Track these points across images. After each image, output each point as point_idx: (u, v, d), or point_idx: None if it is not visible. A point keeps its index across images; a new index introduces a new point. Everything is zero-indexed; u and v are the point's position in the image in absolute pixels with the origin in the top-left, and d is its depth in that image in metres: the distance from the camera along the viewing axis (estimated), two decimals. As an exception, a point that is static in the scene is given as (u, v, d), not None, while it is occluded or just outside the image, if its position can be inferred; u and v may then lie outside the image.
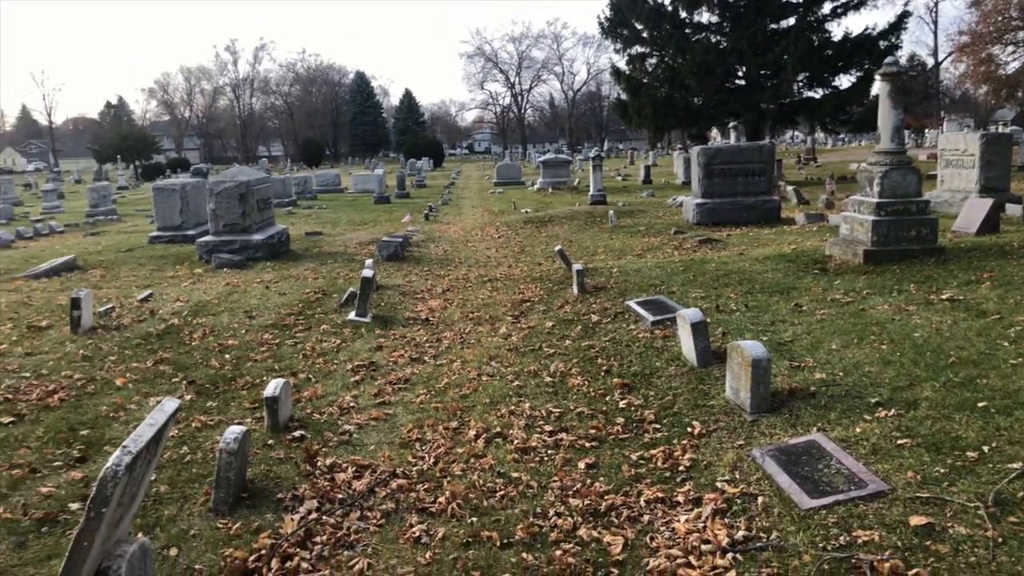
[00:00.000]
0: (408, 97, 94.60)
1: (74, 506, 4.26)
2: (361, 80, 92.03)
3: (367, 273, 8.56)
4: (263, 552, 3.59)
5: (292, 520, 3.89)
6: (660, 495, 4.04)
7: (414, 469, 4.57)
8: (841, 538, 3.38)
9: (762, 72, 28.87)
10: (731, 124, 28.87)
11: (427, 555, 3.58)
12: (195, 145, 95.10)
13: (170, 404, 3.14)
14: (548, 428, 5.09)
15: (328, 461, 4.71)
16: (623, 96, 32.53)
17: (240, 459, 4.16)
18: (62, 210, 28.53)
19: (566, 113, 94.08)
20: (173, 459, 4.80)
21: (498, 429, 5.11)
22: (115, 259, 13.77)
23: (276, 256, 13.32)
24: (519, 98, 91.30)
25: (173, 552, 3.66)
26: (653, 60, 31.63)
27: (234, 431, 4.17)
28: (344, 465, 4.66)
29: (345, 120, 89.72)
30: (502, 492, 4.19)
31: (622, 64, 32.14)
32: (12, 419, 5.62)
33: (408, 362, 6.88)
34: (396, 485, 4.32)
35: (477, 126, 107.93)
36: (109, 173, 52.58)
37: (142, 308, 9.27)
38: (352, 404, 5.80)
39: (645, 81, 30.88)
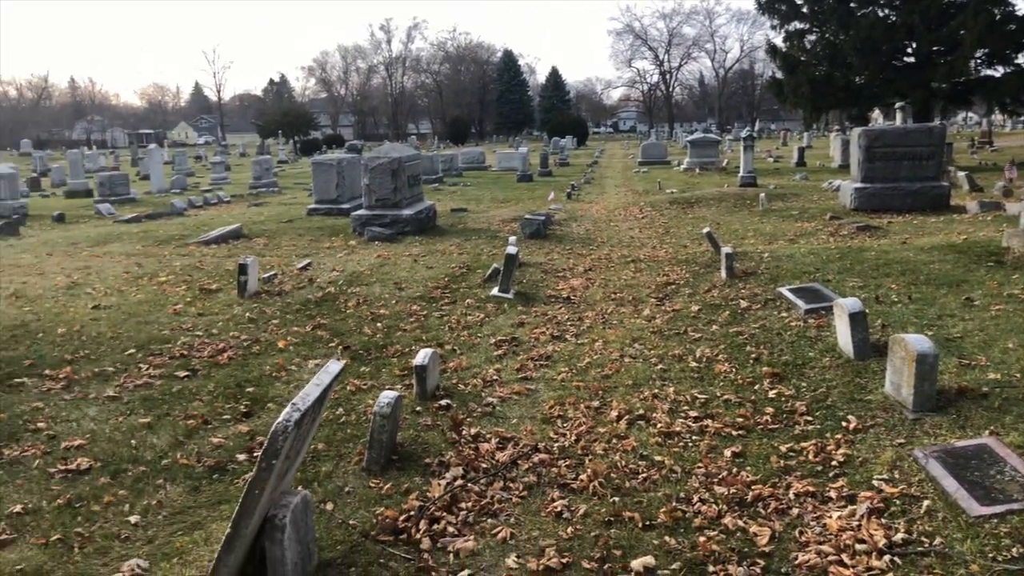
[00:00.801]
0: (554, 75, 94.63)
1: (241, 457, 4.59)
2: (509, 58, 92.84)
3: (511, 250, 8.67)
4: (412, 513, 3.74)
5: (439, 485, 4.02)
6: (811, 489, 3.89)
7: (556, 445, 4.61)
8: (1014, 550, 3.14)
9: (935, 48, 26.85)
10: (897, 104, 27.05)
11: (569, 530, 3.61)
12: (349, 122, 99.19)
13: (334, 366, 3.30)
14: (693, 414, 5.00)
15: (472, 431, 4.83)
16: (778, 74, 31.21)
17: (392, 423, 4.34)
18: (228, 181, 30.50)
19: (716, 92, 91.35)
20: (329, 419, 5.07)
21: (641, 412, 5.07)
22: (276, 229, 14.61)
23: (423, 231, 13.73)
24: (667, 76, 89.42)
25: (329, 506, 3.88)
26: (812, 36, 30.09)
27: (388, 396, 4.35)
28: (488, 436, 4.76)
29: (491, 98, 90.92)
30: (644, 474, 4.16)
31: (779, 41, 30.81)
32: (187, 374, 6.10)
33: (549, 339, 6.94)
34: (538, 459, 4.38)
35: (622, 104, 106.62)
36: (270, 147, 55.79)
37: (301, 276, 9.80)
38: (495, 377, 5.91)
39: (803, 59, 29.44)
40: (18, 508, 3.98)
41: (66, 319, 7.74)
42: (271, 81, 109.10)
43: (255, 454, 4.62)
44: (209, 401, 5.52)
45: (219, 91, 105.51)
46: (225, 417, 5.24)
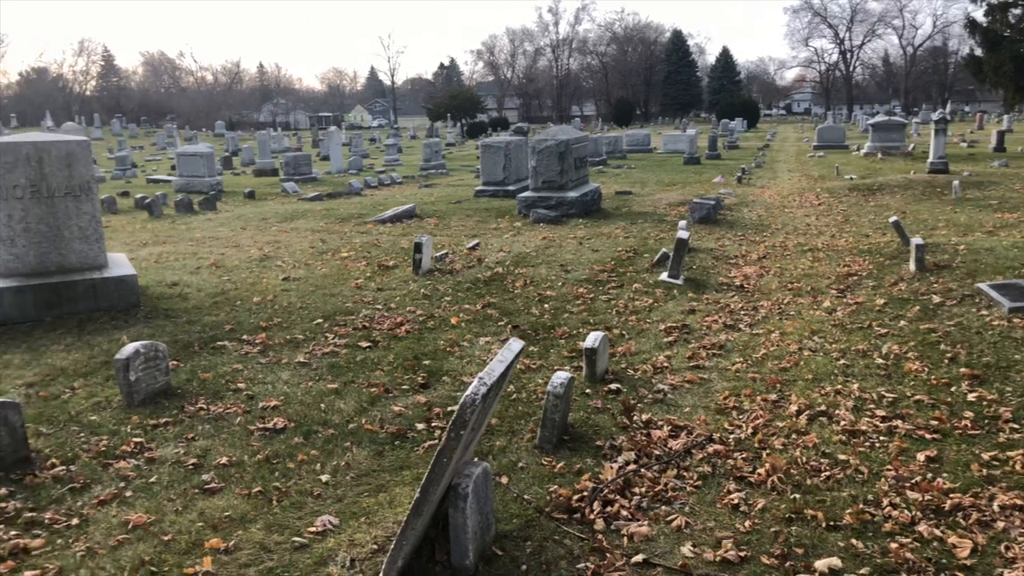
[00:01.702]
0: (725, 56, 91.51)
1: (420, 426, 4.79)
2: (677, 39, 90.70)
3: (682, 235, 8.50)
4: (585, 493, 3.77)
5: (611, 468, 4.02)
6: (1018, 502, 3.57)
7: (731, 436, 4.49)
8: None
9: None
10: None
11: (746, 523, 3.52)
12: (514, 105, 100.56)
13: (516, 344, 3.37)
14: (880, 413, 4.71)
15: (644, 417, 4.79)
16: (977, 52, 28.66)
17: (565, 403, 4.38)
18: (400, 163, 31.74)
19: (903, 71, 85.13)
20: (501, 396, 5.19)
21: (822, 407, 4.84)
22: (446, 210, 15.08)
23: (588, 213, 13.72)
24: (847, 55, 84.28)
25: (504, 480, 3.97)
26: (1018, 10, 27.39)
27: (561, 376, 4.40)
28: (659, 423, 4.71)
29: (658, 79, 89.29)
30: (827, 473, 3.98)
31: (979, 15, 28.30)
32: (369, 344, 6.43)
33: (722, 328, 6.75)
34: (712, 450, 4.28)
35: (797, 85, 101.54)
36: (439, 130, 57.56)
37: (471, 256, 10.07)
38: (665, 364, 5.83)
39: (1007, 34, 26.90)
40: (224, 460, 4.35)
41: (260, 289, 8.36)
42: (441, 65, 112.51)
43: (433, 424, 4.81)
44: (389, 371, 5.79)
45: (392, 75, 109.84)
46: (404, 387, 5.48)
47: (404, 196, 18.21)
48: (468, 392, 2.89)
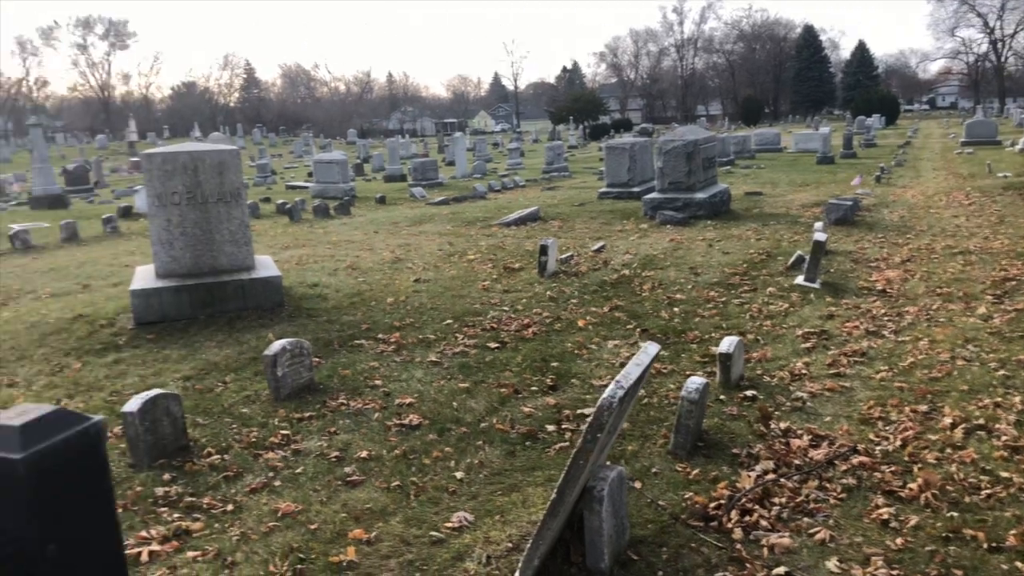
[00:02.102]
0: (860, 49, 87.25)
1: (550, 427, 4.81)
2: (809, 34, 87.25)
3: (819, 236, 8.16)
4: (722, 501, 3.68)
5: (749, 476, 3.91)
6: None
7: (877, 448, 4.27)
8: None
9: None
10: None
11: (898, 541, 3.34)
12: (637, 106, 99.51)
13: (652, 348, 3.33)
14: (1046, 428, 4.37)
15: (782, 425, 4.63)
16: None
17: (699, 409, 4.30)
18: (522, 166, 32.03)
19: (1061, 60, 78.62)
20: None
21: (980, 420, 4.53)
22: (569, 212, 15.09)
23: (717, 215, 13.40)
24: (998, 45, 78.60)
25: (637, 484, 3.94)
26: None
27: (696, 382, 4.31)
28: (799, 432, 4.54)
29: (788, 76, 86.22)
30: (988, 491, 3.72)
31: None
32: (497, 345, 6.51)
33: (864, 334, 6.44)
34: (857, 462, 4.09)
35: (942, 78, 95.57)
36: (561, 133, 57.67)
37: (596, 258, 10.04)
38: (804, 371, 5.61)
39: None
40: (364, 454, 4.52)
41: (393, 290, 8.63)
42: (563, 69, 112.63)
43: (563, 426, 4.82)
44: (518, 372, 5.85)
45: (515, 80, 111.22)
46: (533, 388, 5.52)
47: (527, 199, 18.36)
48: (605, 395, 2.88)
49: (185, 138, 58.15)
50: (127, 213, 18.06)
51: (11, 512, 0.57)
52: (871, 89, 69.60)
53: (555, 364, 6.00)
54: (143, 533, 3.72)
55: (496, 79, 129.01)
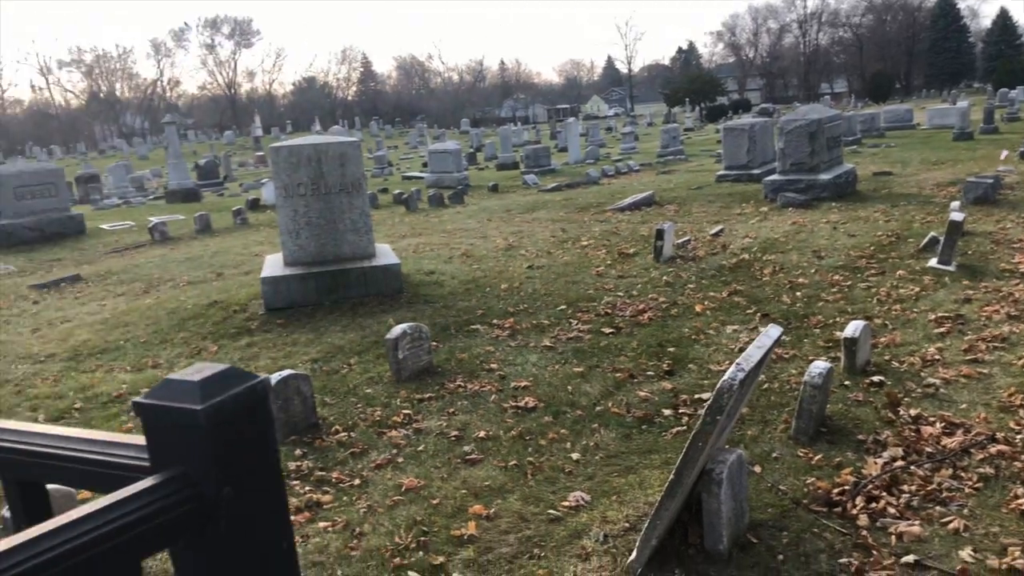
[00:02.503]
0: (1003, 17, 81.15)
1: (666, 412, 4.79)
2: (945, 3, 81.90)
3: (955, 216, 7.71)
4: (846, 488, 3.57)
5: (875, 463, 3.78)
6: None
7: (1018, 437, 4.03)
8: None
9: None
10: None
11: (1041, 534, 3.15)
12: (757, 85, 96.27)
13: (774, 331, 3.27)
14: None
15: (912, 412, 4.43)
16: None
17: (823, 395, 4.17)
18: (636, 150, 31.63)
19: None
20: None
21: None
22: (686, 196, 14.82)
23: (841, 196, 12.84)
24: None
25: (757, 469, 3.87)
26: None
27: (819, 367, 4.19)
28: (931, 419, 4.34)
29: (922, 48, 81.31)
30: None
31: None
32: (612, 330, 6.51)
33: (1005, 319, 6.05)
34: (995, 450, 3.87)
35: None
36: (677, 116, 56.52)
37: (714, 242, 9.84)
38: (936, 357, 5.34)
39: None
40: (482, 434, 4.63)
41: (507, 276, 8.74)
42: (679, 50, 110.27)
43: (680, 411, 4.78)
44: (633, 357, 5.83)
45: (629, 63, 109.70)
46: (649, 373, 5.50)
47: (642, 184, 18.14)
48: (725, 377, 2.85)
49: (306, 132, 60.53)
50: (255, 205, 19.01)
51: (193, 456, 0.65)
52: (1014, 59, 64.75)
53: (671, 349, 5.95)
54: (278, 504, 3.95)
55: (609, 62, 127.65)
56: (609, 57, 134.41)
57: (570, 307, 7.31)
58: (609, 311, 7.09)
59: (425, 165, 28.14)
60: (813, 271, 7.95)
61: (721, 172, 16.96)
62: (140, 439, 0.72)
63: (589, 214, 13.71)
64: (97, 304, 9.09)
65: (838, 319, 6.28)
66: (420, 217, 15.46)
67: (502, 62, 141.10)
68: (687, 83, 72.35)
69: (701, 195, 14.73)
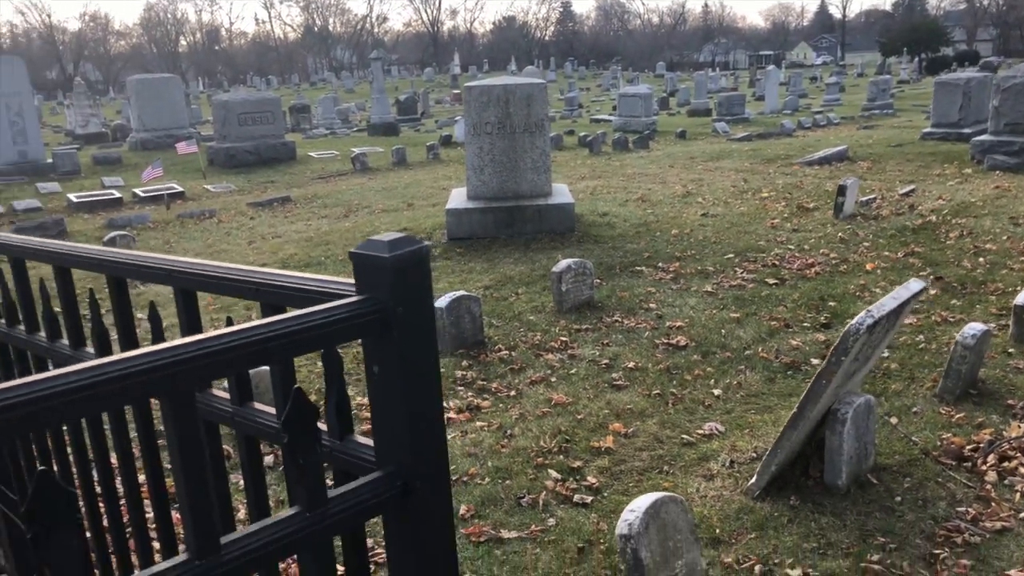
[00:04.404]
0: None
1: (815, 361, 4.90)
2: None
3: None
4: (980, 445, 3.62)
5: (1019, 427, 3.77)
6: None
7: None
8: None
9: None
10: None
11: None
12: (989, 36, 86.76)
13: (915, 284, 3.36)
14: None
15: (1078, 385, 4.30)
16: None
17: (974, 356, 4.16)
18: (840, 103, 29.86)
19: None
20: (907, 344, 5.03)
21: None
22: (883, 153, 14.07)
23: (1063, 161, 11.73)
24: None
25: (893, 420, 3.97)
26: None
27: (974, 328, 4.17)
28: (1096, 394, 4.20)
29: None
30: None
31: None
32: (776, 281, 6.58)
33: None
34: None
35: None
36: (891, 67, 52.34)
37: (902, 202, 9.43)
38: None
39: None
40: (631, 364, 4.98)
41: (679, 223, 8.90)
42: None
43: (828, 361, 4.89)
44: (792, 308, 5.92)
45: (844, 8, 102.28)
46: (805, 324, 5.59)
47: (838, 138, 17.32)
48: (853, 321, 3.03)
49: (502, 72, 61.68)
50: (447, 141, 20.00)
51: (381, 286, 1.04)
52: None
53: (832, 304, 5.97)
54: (445, 404, 4.52)
55: (822, 7, 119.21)
56: (823, 1, 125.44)
57: (737, 256, 7.41)
58: (776, 263, 7.14)
59: (615, 108, 28.15)
60: (1005, 238, 7.52)
61: (927, 129, 15.85)
62: (350, 279, 1.15)
63: (775, 166, 13.40)
64: (303, 223, 10.20)
65: (1020, 287, 6.00)
66: (602, 160, 15.71)
67: (705, 5, 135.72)
68: (907, 31, 66.49)
69: (900, 153, 13.94)
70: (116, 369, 0.89)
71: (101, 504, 2.01)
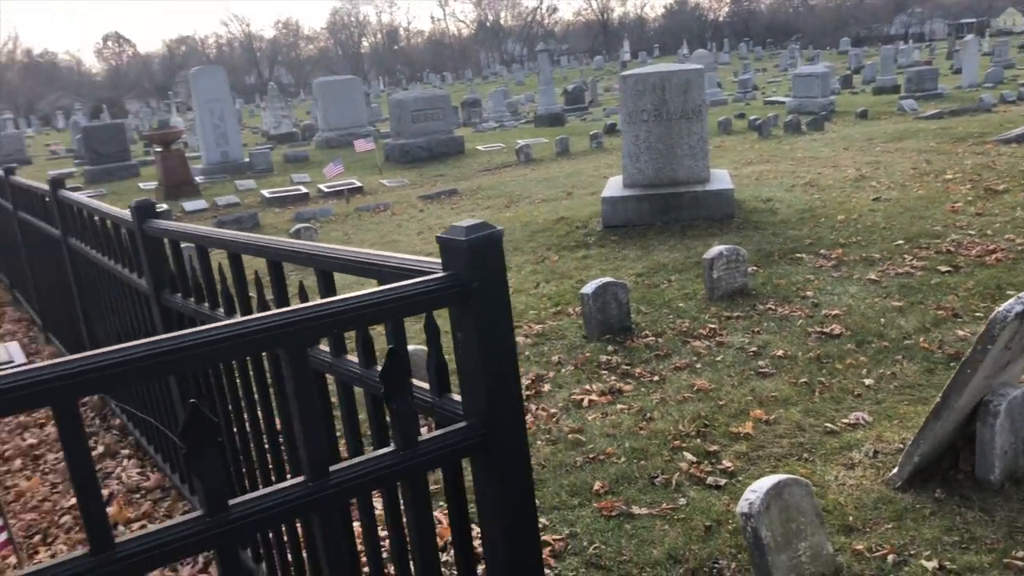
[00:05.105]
0: None
1: (982, 353, 4.63)
2: None
3: None
4: None
5: None
6: None
7: None
8: None
9: None
10: None
11: None
12: None
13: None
14: None
15: None
16: None
17: None
18: (1053, 72, 26.99)
19: None
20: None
21: None
22: (1096, 126, 12.68)
23: None
24: None
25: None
26: None
27: None
28: None
29: None
30: None
31: None
32: (949, 269, 6.21)
33: None
34: None
35: None
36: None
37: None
38: None
39: None
40: (779, 352, 4.92)
41: (847, 208, 8.53)
42: None
43: (997, 353, 4.60)
44: (964, 297, 5.58)
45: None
46: (977, 314, 5.26)
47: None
48: (1000, 308, 2.90)
49: (672, 57, 60.55)
50: (611, 129, 20.02)
51: (460, 265, 1.23)
52: None
53: (1011, 292, 5.55)
54: (587, 386, 4.70)
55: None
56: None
57: (908, 243, 7.03)
58: (952, 249, 6.71)
59: (791, 90, 26.98)
60: None
61: None
62: (437, 260, 1.35)
63: (965, 145, 12.43)
64: (467, 214, 10.66)
65: None
66: (771, 144, 15.20)
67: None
68: None
69: (1116, 126, 12.50)
70: (255, 324, 1.14)
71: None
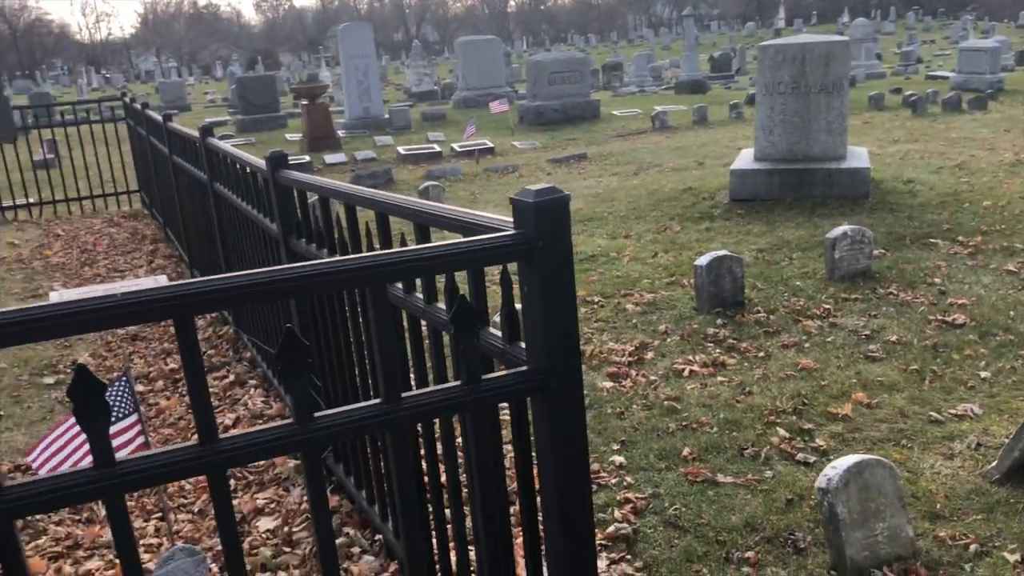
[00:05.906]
0: None
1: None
2: None
3: None
4: None
5: None
6: None
7: None
8: None
9: None
10: None
11: None
12: None
13: None
14: None
15: None
16: None
17: None
18: None
19: None
20: None
21: None
22: None
23: None
24: None
25: None
26: None
27: None
28: None
29: None
30: None
31: None
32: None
33: None
34: None
35: None
36: None
37: None
38: None
39: None
40: (893, 338, 4.80)
41: (996, 194, 8.04)
42: None
43: None
44: (1110, 296, 5.23)
45: None
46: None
47: None
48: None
49: (831, 25, 57.39)
50: (752, 100, 19.35)
51: (528, 224, 1.39)
52: None
53: None
54: (690, 357, 4.76)
55: None
56: None
57: (1059, 235, 6.60)
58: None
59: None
60: None
61: None
62: (510, 218, 1.51)
63: None
64: (595, 180, 10.72)
65: None
66: (924, 122, 14.34)
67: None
68: None
69: None
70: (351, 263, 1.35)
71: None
